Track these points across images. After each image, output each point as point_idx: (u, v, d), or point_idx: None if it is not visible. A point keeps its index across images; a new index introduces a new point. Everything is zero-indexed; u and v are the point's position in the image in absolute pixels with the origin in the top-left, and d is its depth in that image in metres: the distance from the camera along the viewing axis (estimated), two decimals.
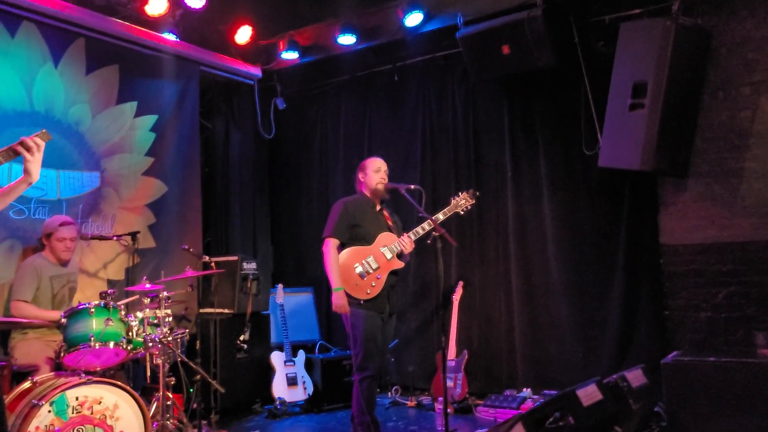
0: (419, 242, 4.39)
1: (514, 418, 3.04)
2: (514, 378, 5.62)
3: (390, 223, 4.47)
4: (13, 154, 2.57)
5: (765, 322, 4.56)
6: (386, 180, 4.43)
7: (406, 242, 4.30)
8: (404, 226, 4.74)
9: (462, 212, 4.48)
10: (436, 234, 3.99)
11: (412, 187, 4.34)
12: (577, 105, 5.33)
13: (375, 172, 4.43)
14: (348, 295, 4.18)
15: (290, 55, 6.25)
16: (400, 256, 4.33)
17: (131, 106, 5.64)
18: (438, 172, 6.24)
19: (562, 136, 5.53)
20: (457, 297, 5.71)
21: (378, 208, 4.45)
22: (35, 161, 2.60)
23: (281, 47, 6.19)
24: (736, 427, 3.51)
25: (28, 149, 2.57)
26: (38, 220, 4.81)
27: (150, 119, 5.79)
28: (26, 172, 2.60)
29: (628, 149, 4.62)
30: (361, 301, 4.19)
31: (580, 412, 3.36)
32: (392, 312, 4.40)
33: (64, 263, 4.46)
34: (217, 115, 6.92)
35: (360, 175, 4.49)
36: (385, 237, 4.34)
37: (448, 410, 4.10)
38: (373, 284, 4.22)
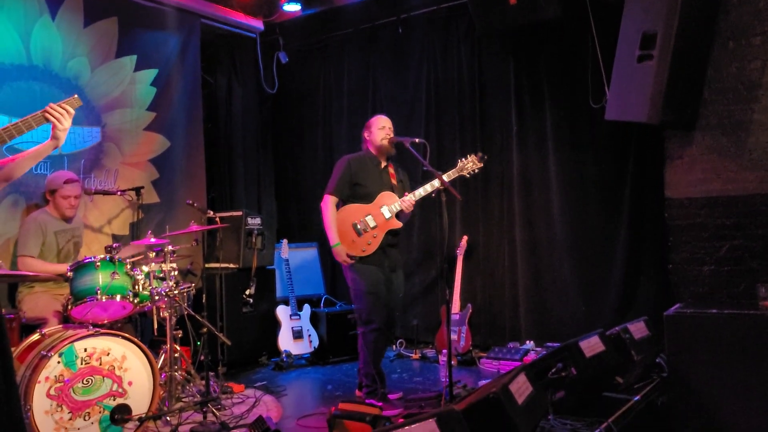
0: (424, 197, 4.38)
1: (517, 368, 3.06)
2: (517, 331, 5.67)
3: (394, 181, 4.46)
4: (44, 120, 2.58)
5: None
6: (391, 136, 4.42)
7: (407, 203, 4.29)
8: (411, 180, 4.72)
9: (468, 175, 4.42)
10: (441, 188, 3.97)
11: (417, 140, 4.32)
12: (584, 57, 5.24)
13: (380, 129, 4.43)
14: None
15: (292, 7, 6.15)
16: (399, 215, 4.33)
17: (131, 60, 5.57)
18: (442, 126, 6.19)
19: (569, 89, 5.45)
20: (461, 251, 5.73)
21: (383, 165, 4.45)
22: (64, 128, 2.62)
23: None
24: (736, 378, 3.54)
25: (57, 119, 2.58)
26: (41, 175, 4.79)
27: (150, 73, 5.72)
28: (54, 137, 2.63)
29: (635, 102, 4.54)
30: (357, 258, 4.22)
31: (583, 363, 3.40)
32: (392, 266, 4.41)
33: (68, 219, 4.47)
34: (219, 69, 6.84)
35: (365, 134, 4.51)
36: (386, 196, 4.35)
37: (452, 362, 4.15)
38: (369, 243, 4.25)
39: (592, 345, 3.54)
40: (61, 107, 2.58)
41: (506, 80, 5.79)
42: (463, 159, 4.38)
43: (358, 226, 4.24)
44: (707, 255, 4.87)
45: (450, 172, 4.32)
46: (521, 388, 2.83)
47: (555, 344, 5.10)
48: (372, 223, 4.27)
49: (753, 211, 4.71)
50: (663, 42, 4.38)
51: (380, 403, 4.14)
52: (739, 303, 4.35)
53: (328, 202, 4.33)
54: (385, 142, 4.40)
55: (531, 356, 5.14)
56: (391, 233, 4.34)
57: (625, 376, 3.74)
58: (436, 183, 4.14)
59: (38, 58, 4.91)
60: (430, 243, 6.18)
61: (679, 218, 4.99)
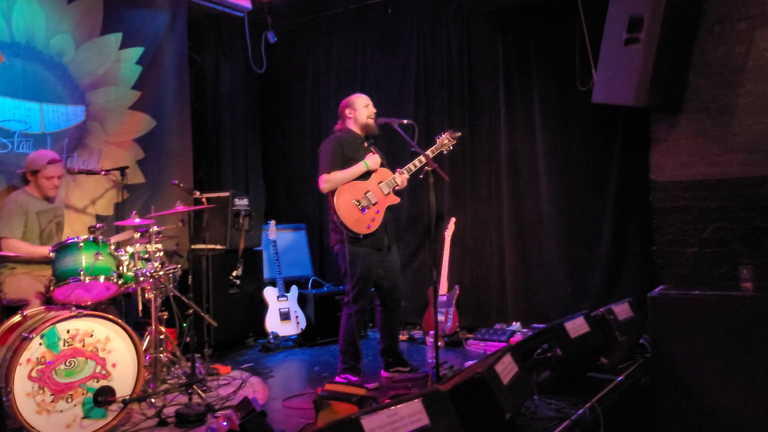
0: (412, 177, 4.40)
1: (503, 349, 3.09)
2: (504, 312, 5.70)
3: (382, 159, 4.45)
4: None
5: (750, 257, 4.61)
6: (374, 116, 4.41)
7: (400, 178, 4.29)
8: (396, 161, 4.71)
9: (446, 152, 4.46)
10: (429, 169, 3.97)
11: (405, 121, 4.31)
12: (572, 40, 5.22)
13: (364, 108, 4.39)
14: (348, 230, 4.19)
15: None
16: (395, 192, 4.34)
17: (116, 38, 5.49)
18: (431, 107, 6.16)
19: (557, 71, 5.43)
20: (448, 233, 5.73)
21: (366, 144, 4.42)
22: None
23: None
24: (717, 358, 3.59)
25: None
26: (22, 154, 4.72)
27: (136, 51, 5.64)
28: None
29: (622, 85, 4.55)
30: (361, 236, 4.20)
31: (568, 343, 3.43)
32: (390, 244, 4.42)
33: (50, 199, 4.42)
34: (206, 48, 6.75)
35: (347, 111, 4.42)
36: (381, 172, 4.35)
37: (439, 344, 4.17)
38: (373, 219, 4.24)
39: (577, 326, 3.57)
40: None
41: (495, 61, 5.77)
42: (440, 136, 4.45)
43: (361, 203, 4.22)
44: (691, 237, 4.92)
45: (432, 148, 4.38)
46: (507, 368, 2.85)
47: (541, 325, 5.15)
48: (373, 200, 4.26)
49: (736, 194, 4.75)
50: (650, 25, 4.38)
51: (355, 379, 4.20)
52: (722, 285, 4.39)
53: (327, 178, 4.21)
54: (371, 122, 4.37)
55: (517, 337, 5.17)
56: (390, 209, 4.34)
57: (609, 356, 3.78)
58: (423, 159, 4.15)
59: (20, 34, 4.82)
60: (418, 224, 6.18)
61: (663, 201, 5.03)
